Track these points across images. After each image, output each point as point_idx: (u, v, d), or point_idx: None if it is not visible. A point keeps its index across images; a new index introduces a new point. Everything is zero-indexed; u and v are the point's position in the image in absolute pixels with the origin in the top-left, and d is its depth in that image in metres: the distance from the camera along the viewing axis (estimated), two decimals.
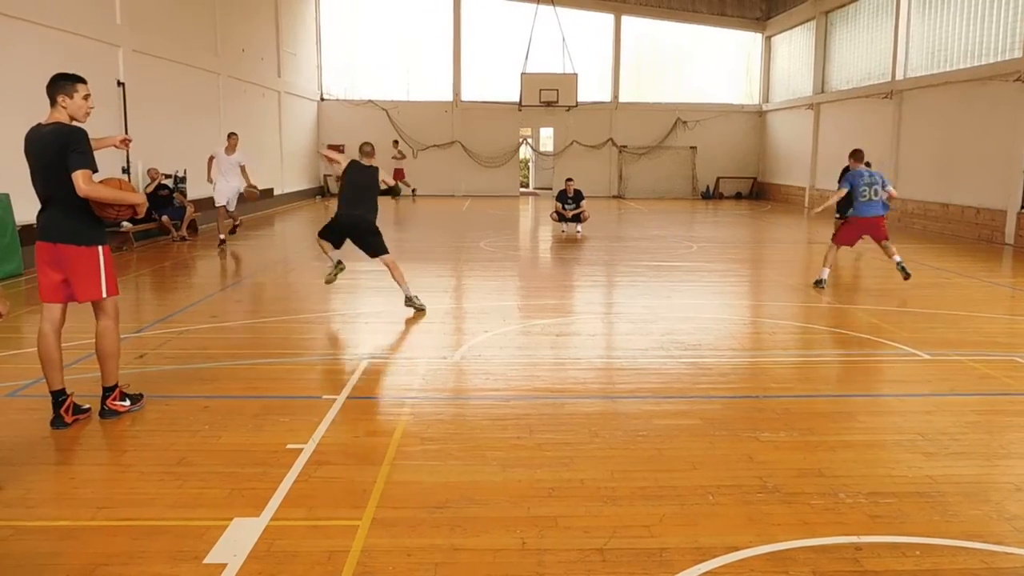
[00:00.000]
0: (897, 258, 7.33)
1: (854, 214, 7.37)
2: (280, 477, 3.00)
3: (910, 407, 3.97)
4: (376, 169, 6.39)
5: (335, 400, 3.94)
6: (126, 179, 3.95)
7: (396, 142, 20.69)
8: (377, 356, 5.05)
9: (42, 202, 3.49)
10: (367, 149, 6.39)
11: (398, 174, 19.65)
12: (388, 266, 6.29)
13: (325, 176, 20.57)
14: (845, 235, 7.58)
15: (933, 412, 3.85)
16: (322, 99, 21.88)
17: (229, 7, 14.78)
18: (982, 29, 12.63)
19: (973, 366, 4.69)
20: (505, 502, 2.82)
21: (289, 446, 3.32)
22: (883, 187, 7.22)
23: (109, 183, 3.50)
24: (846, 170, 7.84)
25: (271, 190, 17.14)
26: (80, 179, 3.27)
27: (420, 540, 2.53)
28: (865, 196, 7.15)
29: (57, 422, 3.53)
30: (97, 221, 3.48)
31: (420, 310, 6.20)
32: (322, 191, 21.32)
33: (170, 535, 2.55)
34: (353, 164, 6.31)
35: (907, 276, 7.30)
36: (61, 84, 3.45)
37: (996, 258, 10.24)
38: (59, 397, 3.55)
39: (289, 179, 18.72)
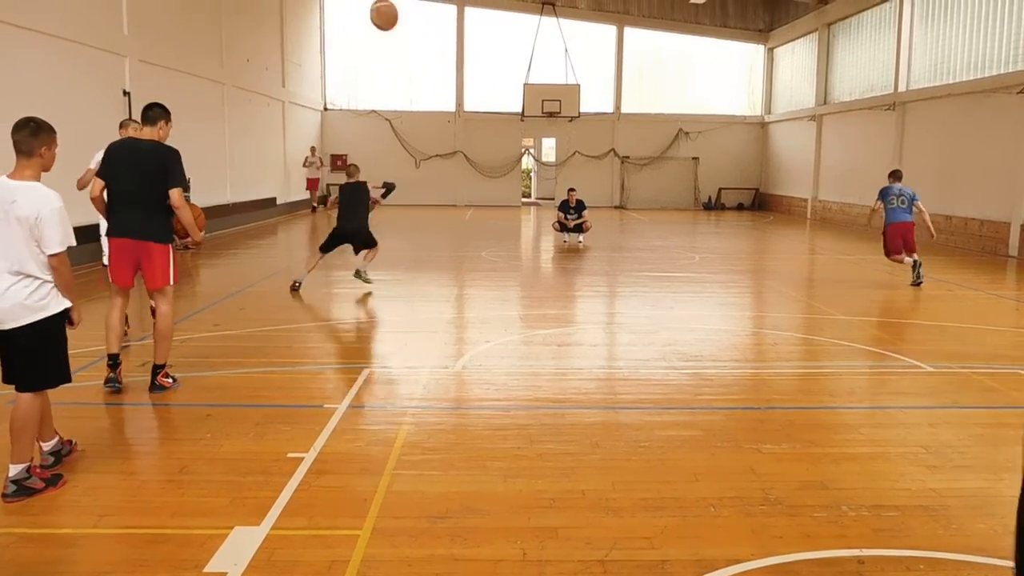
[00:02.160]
0: (916, 260, 8.17)
1: (887, 222, 8.38)
2: (281, 486, 2.99)
3: (914, 419, 3.95)
4: (363, 184, 7.58)
5: (336, 409, 3.94)
6: (202, 213, 4.39)
7: (313, 149, 19.20)
8: (379, 365, 5.05)
9: (124, 203, 4.06)
10: (351, 170, 7.66)
11: (311, 184, 18.19)
12: (373, 250, 7.63)
13: (309, 189, 19.16)
14: (890, 245, 8.45)
15: (937, 425, 3.83)
16: (325, 109, 22.05)
17: (235, 17, 14.95)
18: (985, 41, 12.69)
19: (977, 378, 4.67)
20: (506, 512, 2.81)
21: (290, 455, 3.31)
22: (911, 202, 8.26)
23: (193, 208, 4.26)
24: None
25: (274, 199, 17.24)
26: (176, 195, 4.02)
27: (421, 550, 2.52)
28: (893, 204, 8.32)
29: (111, 382, 4.12)
30: (171, 225, 4.21)
31: (367, 282, 7.53)
32: (324, 200, 21.43)
33: (171, 543, 2.55)
34: (343, 186, 7.56)
35: (917, 282, 8.08)
36: (165, 112, 4.22)
37: (1000, 270, 10.22)
38: (115, 359, 4.18)
39: (292, 188, 18.83)
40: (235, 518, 2.71)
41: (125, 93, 10.78)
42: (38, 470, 2.98)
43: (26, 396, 2.90)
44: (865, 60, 17.04)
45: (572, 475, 3.15)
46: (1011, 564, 2.44)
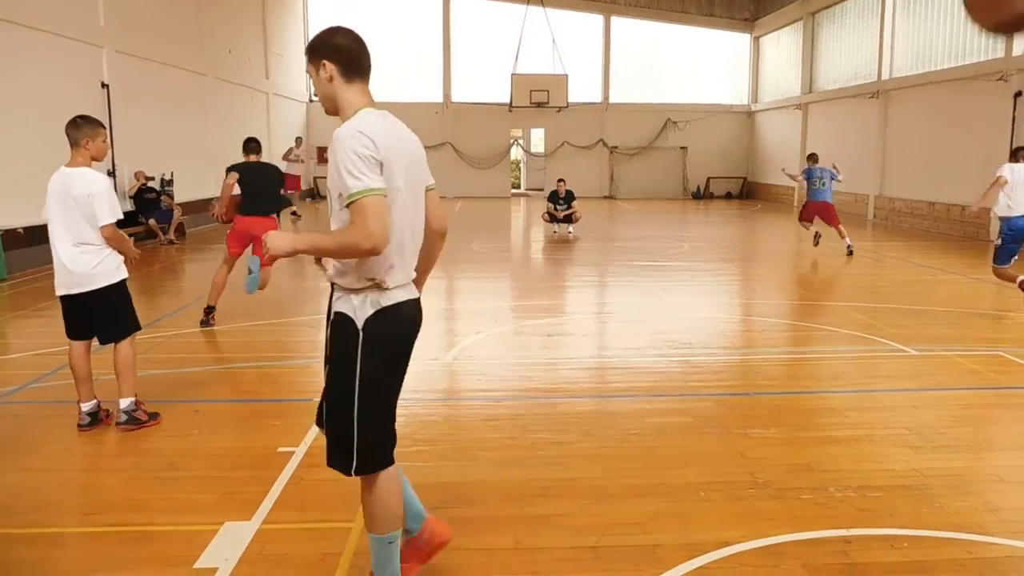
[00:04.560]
0: (847, 241, 9.64)
1: (808, 200, 10.01)
2: (272, 480, 2.98)
3: (898, 402, 4.02)
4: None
5: None
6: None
7: (299, 140, 16.07)
8: None
9: (256, 202, 5.60)
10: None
11: (293, 183, 13.94)
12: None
13: (291, 189, 14.55)
14: (805, 215, 10.17)
15: (920, 407, 3.90)
16: (311, 100, 21.78)
17: (215, 8, 14.68)
18: (966, 29, 12.79)
19: (959, 361, 4.76)
20: (498, 501, 2.83)
21: (280, 449, 3.30)
22: (832, 179, 9.71)
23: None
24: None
25: None
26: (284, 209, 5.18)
27: None
28: (816, 186, 9.82)
29: (205, 324, 5.49)
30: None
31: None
32: (311, 193, 21.22)
33: (160, 540, 2.53)
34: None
35: (850, 254, 9.54)
36: (256, 146, 5.88)
37: (982, 255, 10.37)
38: (210, 311, 5.55)
39: None
40: (225, 513, 2.70)
41: (103, 85, 10.57)
42: (142, 404, 3.62)
43: (122, 344, 3.56)
44: (849, 48, 17.12)
45: (563, 463, 3.17)
46: (991, 540, 2.51)
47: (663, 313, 6.34)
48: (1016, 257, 6.32)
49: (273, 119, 18.40)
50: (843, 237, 9.75)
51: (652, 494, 2.88)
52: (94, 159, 3.52)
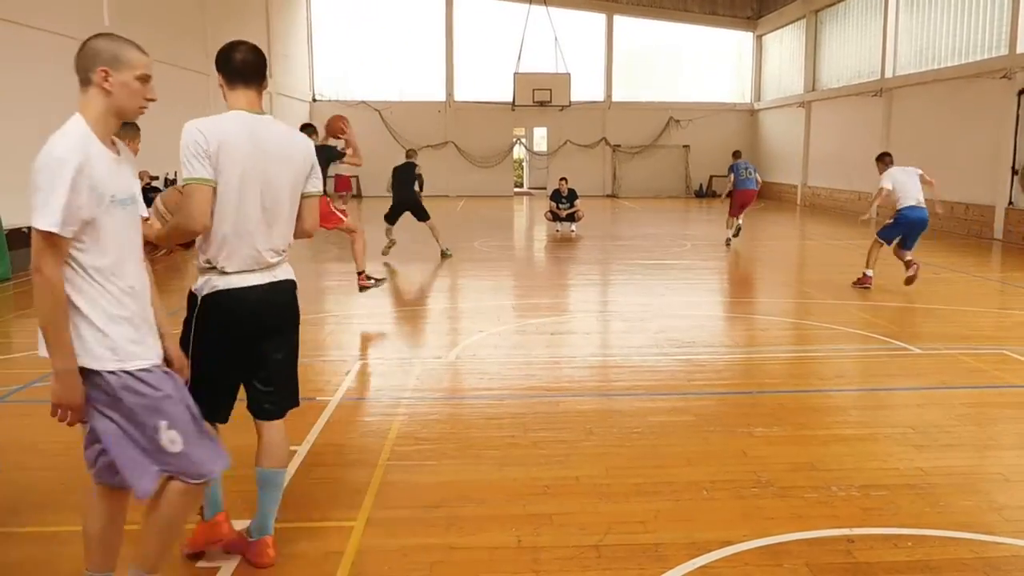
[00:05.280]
0: (739, 222, 10.85)
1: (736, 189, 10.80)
2: None
3: (901, 401, 4.00)
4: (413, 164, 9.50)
5: (329, 401, 3.92)
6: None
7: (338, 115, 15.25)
8: (371, 357, 5.04)
9: None
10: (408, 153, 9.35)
11: (343, 184, 13.45)
12: (432, 228, 9.45)
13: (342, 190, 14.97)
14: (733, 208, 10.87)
15: (924, 405, 3.88)
16: (314, 100, 21.81)
17: (219, 8, 14.71)
18: (969, 27, 12.74)
19: (963, 360, 4.74)
20: (501, 500, 2.82)
21: None
22: (755, 172, 10.87)
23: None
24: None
25: None
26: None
27: (415, 540, 2.53)
28: (742, 176, 10.72)
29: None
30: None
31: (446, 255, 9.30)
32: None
33: None
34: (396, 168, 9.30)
35: (736, 235, 10.83)
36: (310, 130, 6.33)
37: (985, 253, 10.34)
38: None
39: None
40: (228, 512, 2.70)
41: None
42: None
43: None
44: (852, 47, 17.06)
45: (566, 462, 3.17)
46: (995, 539, 2.50)
47: (665, 311, 6.33)
48: (900, 242, 7.24)
49: (277, 118, 18.40)
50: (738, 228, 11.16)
51: (655, 493, 2.87)
52: None
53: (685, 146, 22.84)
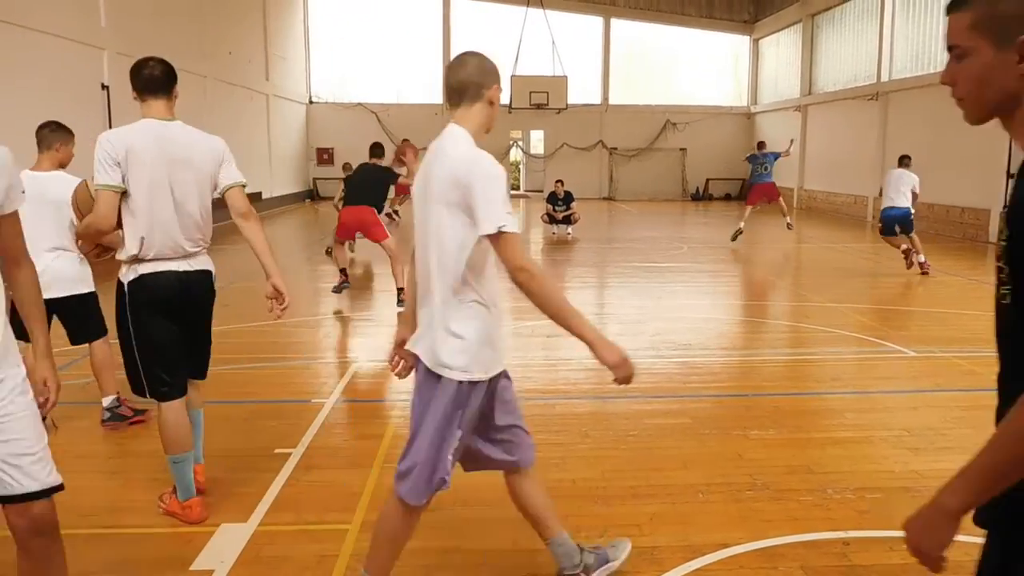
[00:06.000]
0: (741, 224, 10.96)
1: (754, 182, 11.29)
2: (268, 482, 2.97)
3: (897, 403, 4.01)
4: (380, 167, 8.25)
5: (324, 404, 3.91)
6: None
7: (406, 141, 15.00)
8: (366, 359, 5.02)
9: (356, 196, 6.66)
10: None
11: (403, 188, 12.86)
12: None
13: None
14: (751, 198, 11.39)
15: (919, 408, 3.89)
16: (311, 102, 21.80)
17: (216, 10, 14.69)
18: None
19: (958, 363, 4.75)
20: (496, 503, 2.81)
21: (277, 450, 3.29)
22: (771, 164, 11.14)
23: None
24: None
25: (260, 194, 17.04)
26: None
27: (411, 543, 2.51)
28: (759, 171, 11.19)
29: (340, 289, 6.64)
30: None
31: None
32: (310, 194, 21.23)
33: (157, 542, 2.52)
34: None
35: (734, 239, 10.87)
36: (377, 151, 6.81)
37: (981, 256, 10.38)
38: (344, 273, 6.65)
39: (278, 182, 18.62)
40: (222, 515, 2.69)
41: (104, 87, 10.57)
42: (126, 401, 3.63)
43: (96, 344, 3.62)
44: (849, 50, 17.14)
45: (562, 465, 3.16)
46: None
47: (662, 314, 6.33)
48: (897, 234, 8.10)
49: (273, 120, 18.41)
50: (784, 214, 11.51)
51: (650, 495, 2.87)
52: (61, 164, 3.54)
53: (682, 149, 22.90)
